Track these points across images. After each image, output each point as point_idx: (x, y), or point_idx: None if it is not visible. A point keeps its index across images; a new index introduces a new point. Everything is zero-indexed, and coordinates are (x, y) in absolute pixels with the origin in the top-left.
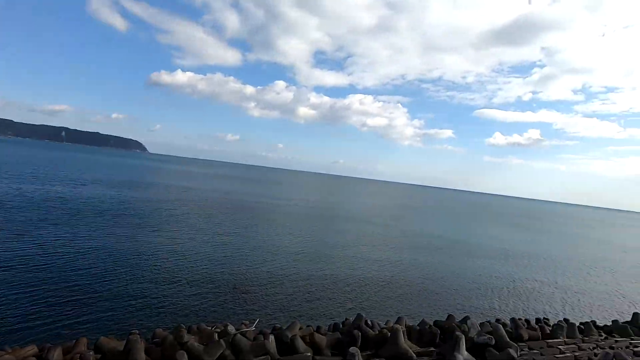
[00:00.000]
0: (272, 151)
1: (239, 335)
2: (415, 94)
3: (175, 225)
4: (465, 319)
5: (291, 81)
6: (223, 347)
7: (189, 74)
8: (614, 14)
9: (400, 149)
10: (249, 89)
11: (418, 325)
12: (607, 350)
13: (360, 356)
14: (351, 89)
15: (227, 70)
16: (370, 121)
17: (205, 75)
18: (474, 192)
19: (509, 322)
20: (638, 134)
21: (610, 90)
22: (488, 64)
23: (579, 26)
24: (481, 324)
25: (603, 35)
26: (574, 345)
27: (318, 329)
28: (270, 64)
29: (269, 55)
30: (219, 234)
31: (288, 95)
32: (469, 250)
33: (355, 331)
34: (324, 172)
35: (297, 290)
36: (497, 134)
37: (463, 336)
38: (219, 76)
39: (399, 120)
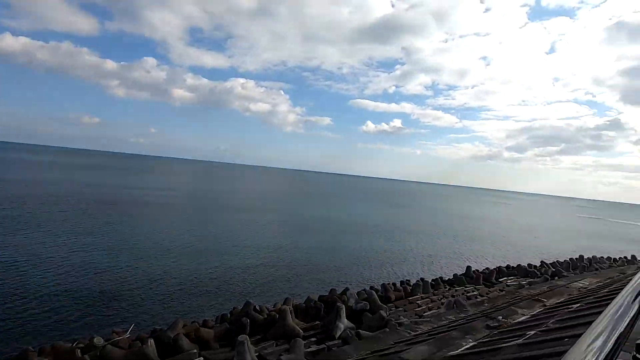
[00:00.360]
0: (144, 136)
1: (109, 346)
2: (296, 81)
3: (16, 229)
4: (345, 291)
5: (163, 59)
6: None
7: (24, 39)
8: (453, 25)
9: (283, 135)
10: (110, 65)
11: (304, 302)
12: (450, 298)
13: (249, 342)
14: (233, 72)
15: (79, 40)
16: (254, 106)
17: (47, 42)
18: (350, 175)
19: (380, 288)
20: (469, 124)
21: (451, 88)
22: (360, 58)
23: (428, 32)
24: (358, 293)
25: (446, 41)
26: (427, 299)
27: (204, 323)
28: (137, 37)
29: (134, 27)
30: (76, 235)
31: (160, 74)
32: (344, 228)
33: (244, 319)
34: (206, 160)
35: (177, 287)
36: (369, 122)
37: (343, 306)
38: (67, 45)
39: (282, 107)
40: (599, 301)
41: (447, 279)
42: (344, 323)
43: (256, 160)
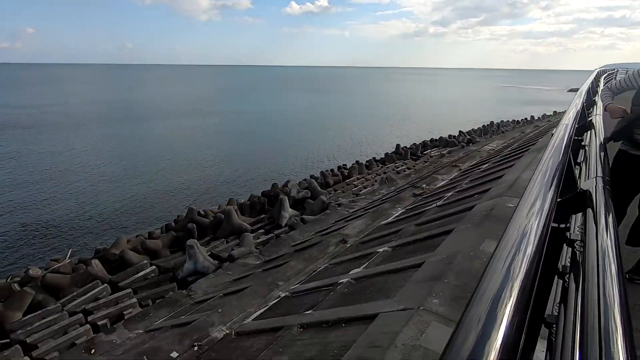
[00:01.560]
0: (17, 39)
1: (49, 274)
2: None
3: None
4: (286, 183)
5: None
6: (32, 294)
7: None
8: None
9: (198, 25)
10: None
11: (248, 200)
12: (382, 175)
13: (198, 244)
14: None
15: None
16: None
17: None
18: (276, 66)
19: (319, 175)
20: None
21: None
22: None
23: None
24: (299, 183)
25: None
26: (363, 179)
27: (150, 235)
28: None
29: None
30: None
31: None
32: (278, 122)
33: (189, 224)
34: (111, 62)
35: (112, 207)
36: (293, 3)
37: (286, 197)
38: None
39: None
40: (503, 159)
41: (379, 158)
42: (288, 212)
43: (171, 58)
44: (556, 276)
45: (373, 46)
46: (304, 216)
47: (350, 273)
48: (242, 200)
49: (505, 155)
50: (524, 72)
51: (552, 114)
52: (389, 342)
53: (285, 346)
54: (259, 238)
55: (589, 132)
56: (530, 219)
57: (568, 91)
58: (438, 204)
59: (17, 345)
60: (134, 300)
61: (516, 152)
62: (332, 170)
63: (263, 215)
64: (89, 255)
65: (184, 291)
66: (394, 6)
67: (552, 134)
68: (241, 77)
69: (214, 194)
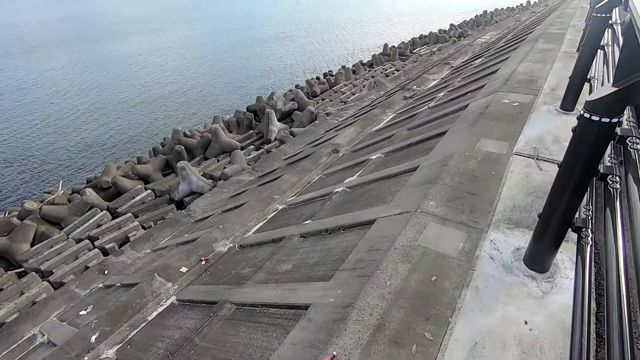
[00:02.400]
0: None
1: (45, 206)
2: None
3: None
4: (271, 95)
5: None
6: (34, 225)
7: None
8: None
9: None
10: None
11: (234, 116)
12: (370, 79)
13: (189, 166)
14: None
15: None
16: None
17: None
18: None
19: (305, 85)
20: None
21: None
22: None
23: None
24: (285, 95)
25: None
26: (350, 85)
27: (139, 161)
28: None
29: None
30: None
31: None
32: (253, 31)
33: (178, 146)
34: None
35: (92, 136)
36: None
37: (272, 110)
38: None
39: None
40: (498, 52)
41: (366, 61)
42: (276, 126)
43: None
44: (594, 178)
45: None
46: (293, 129)
47: (345, 182)
48: (228, 117)
49: (500, 47)
50: None
51: None
52: (388, 245)
53: (288, 254)
54: (249, 154)
55: (616, 8)
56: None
57: None
58: (430, 105)
59: (33, 272)
60: (136, 223)
61: (511, 43)
62: (318, 78)
63: (251, 131)
64: (81, 185)
65: (183, 211)
66: None
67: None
68: None
69: (197, 113)
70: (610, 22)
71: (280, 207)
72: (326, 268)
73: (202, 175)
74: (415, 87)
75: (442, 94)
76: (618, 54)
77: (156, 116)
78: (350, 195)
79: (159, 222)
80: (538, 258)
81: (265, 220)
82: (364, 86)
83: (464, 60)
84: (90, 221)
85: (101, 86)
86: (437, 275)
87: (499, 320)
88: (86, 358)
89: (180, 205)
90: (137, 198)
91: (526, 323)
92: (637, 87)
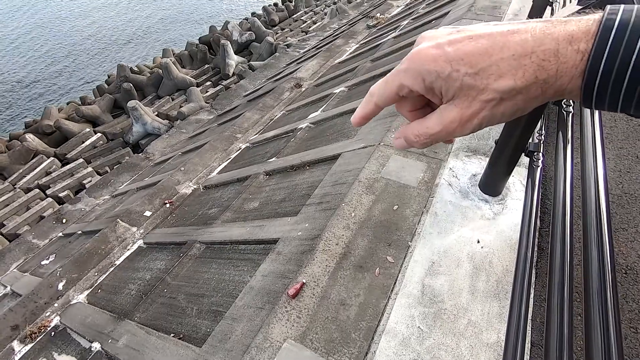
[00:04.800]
0: None
1: None
2: None
3: None
4: (225, 25)
5: None
6: None
7: None
8: None
9: None
10: None
11: (186, 49)
12: (332, 6)
13: (141, 106)
14: None
15: None
16: None
17: None
18: None
19: (262, 12)
20: None
21: None
22: None
23: None
24: (240, 24)
25: None
26: (311, 12)
27: (82, 101)
28: None
29: None
30: None
31: None
32: None
33: (125, 84)
34: None
35: (24, 76)
36: None
37: (228, 42)
38: None
39: None
40: None
41: None
42: (233, 59)
43: None
44: (523, 154)
45: None
46: (251, 62)
47: (308, 117)
48: (179, 51)
49: None
50: None
51: None
52: (353, 178)
53: (255, 193)
54: (207, 91)
55: None
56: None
57: None
58: (394, 34)
59: None
60: (90, 169)
61: None
62: (276, 4)
63: (206, 66)
64: (20, 131)
65: (140, 155)
66: None
67: None
68: None
69: (143, 46)
70: None
71: (243, 146)
72: (293, 204)
73: (157, 115)
74: (378, 14)
75: (406, 22)
76: None
77: (95, 49)
78: (315, 131)
79: (115, 167)
80: (492, 183)
81: (229, 160)
82: (325, 14)
83: None
84: (38, 169)
85: (26, 22)
86: (399, 205)
87: (454, 241)
88: (56, 304)
89: (137, 148)
90: (87, 142)
91: (478, 242)
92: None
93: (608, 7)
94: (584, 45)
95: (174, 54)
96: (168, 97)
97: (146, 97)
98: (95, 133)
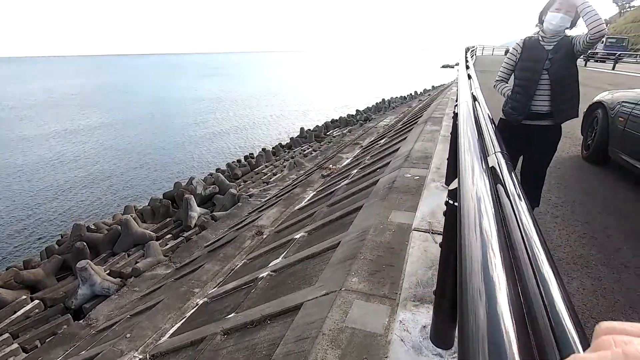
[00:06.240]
0: None
1: None
2: None
3: None
4: (190, 180)
5: None
6: None
7: None
8: None
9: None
10: None
11: (149, 204)
12: (290, 160)
13: (92, 265)
14: None
15: None
16: None
17: None
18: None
19: (226, 168)
20: None
21: None
22: None
23: None
24: (205, 179)
25: None
26: (271, 166)
27: (26, 265)
28: None
29: None
30: None
31: None
32: (165, 116)
33: (79, 243)
34: None
35: None
36: None
37: (192, 196)
38: None
39: None
40: (397, 133)
41: (285, 143)
42: (196, 211)
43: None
44: None
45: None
46: (214, 213)
47: (269, 265)
48: (142, 206)
49: (398, 129)
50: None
51: (431, 88)
52: (316, 331)
53: (210, 359)
54: (166, 244)
55: (476, 102)
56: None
57: (441, 67)
58: (346, 182)
59: None
60: (15, 346)
61: (407, 126)
62: (239, 160)
63: (169, 219)
64: None
65: (81, 322)
66: None
67: (456, 114)
68: (100, 70)
69: (105, 205)
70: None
71: (201, 302)
72: None
73: (109, 274)
74: (331, 165)
75: (355, 171)
76: None
77: (53, 208)
78: (276, 279)
79: (48, 340)
80: (441, 334)
81: (184, 319)
82: (284, 167)
83: (371, 140)
84: None
85: None
86: (368, 357)
87: None
88: None
89: (79, 313)
90: (19, 313)
91: None
92: None
93: None
94: None
95: (135, 210)
96: (124, 253)
97: (100, 255)
98: (33, 300)
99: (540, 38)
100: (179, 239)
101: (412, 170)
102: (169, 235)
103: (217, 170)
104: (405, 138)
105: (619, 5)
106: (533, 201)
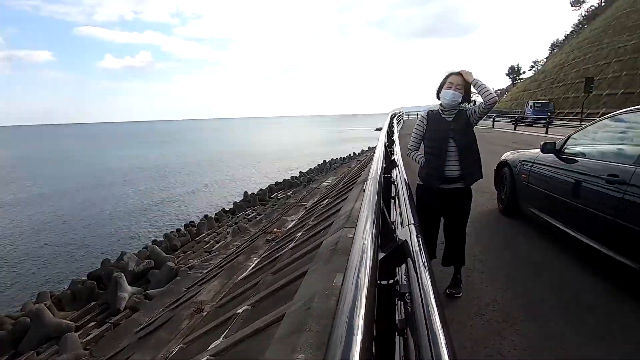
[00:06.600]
0: None
1: None
2: None
3: None
4: (121, 256)
5: None
6: None
7: None
8: None
9: None
10: None
11: (68, 288)
12: (234, 226)
13: None
14: None
15: None
16: None
17: None
18: (93, 123)
19: (163, 239)
20: (222, 55)
21: (198, 17)
22: None
23: None
24: (138, 253)
25: None
26: (214, 234)
27: None
28: None
29: None
30: None
31: None
32: (97, 186)
33: None
34: None
35: None
36: (109, 56)
37: (122, 274)
38: None
39: None
40: (339, 193)
41: (228, 208)
42: (127, 291)
43: None
44: (396, 333)
45: (203, 97)
46: (148, 291)
47: (209, 349)
48: (60, 291)
49: (340, 189)
50: (344, 116)
51: (367, 149)
52: None
53: None
54: (89, 334)
55: (395, 168)
56: (359, 280)
57: (375, 130)
58: (290, 246)
59: None
60: None
61: (348, 185)
62: (178, 230)
63: (93, 303)
64: None
65: None
66: (220, 63)
67: (367, 180)
68: (37, 140)
69: (12, 292)
70: (392, 180)
71: None
72: None
73: None
74: (276, 229)
75: (300, 234)
76: None
77: None
78: None
79: None
80: None
81: None
82: (228, 233)
83: (314, 201)
84: None
85: None
86: None
87: None
88: None
89: None
90: None
91: None
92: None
93: None
94: None
95: (52, 297)
96: (33, 351)
97: (1, 357)
98: None
99: (440, 111)
100: (104, 326)
101: (353, 230)
102: (93, 323)
103: (154, 242)
104: (346, 197)
105: (511, 78)
106: (459, 261)
